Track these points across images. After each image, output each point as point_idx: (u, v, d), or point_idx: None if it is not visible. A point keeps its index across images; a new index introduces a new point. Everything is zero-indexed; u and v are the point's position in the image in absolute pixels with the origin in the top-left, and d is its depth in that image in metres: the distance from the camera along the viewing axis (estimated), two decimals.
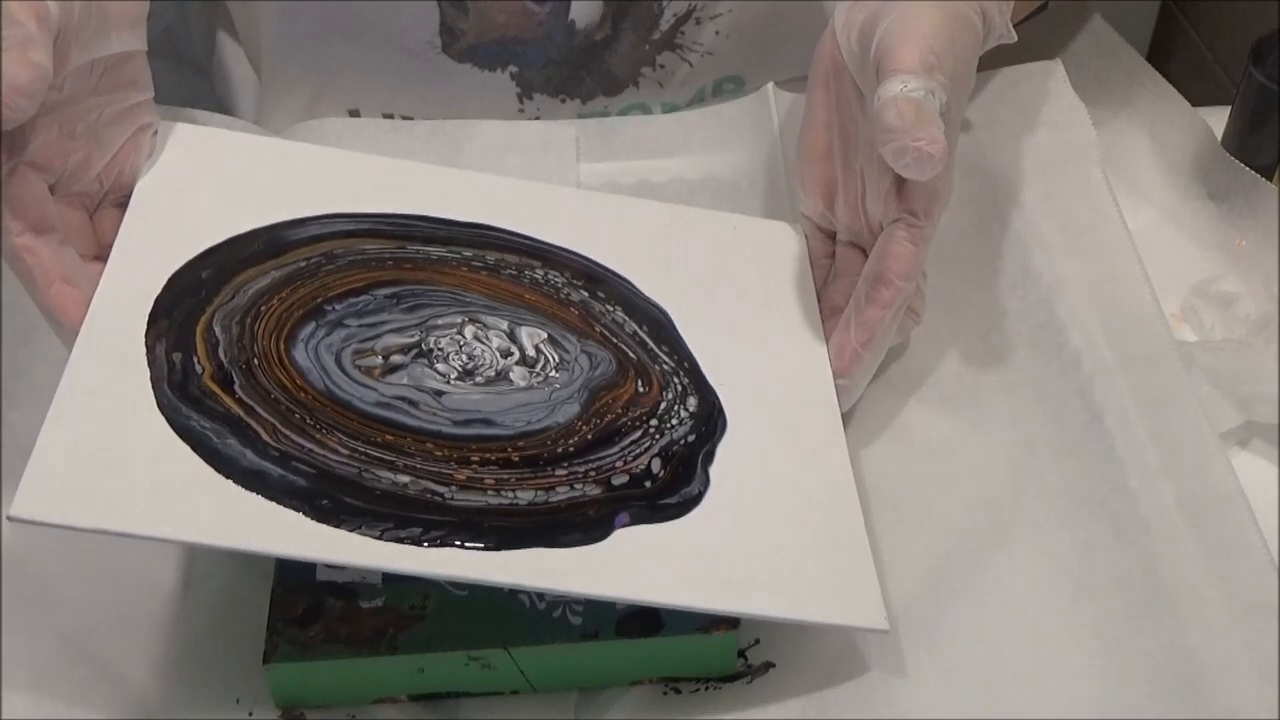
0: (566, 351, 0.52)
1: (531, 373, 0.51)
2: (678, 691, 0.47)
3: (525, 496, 0.46)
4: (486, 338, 0.52)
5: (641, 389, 0.51)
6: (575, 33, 0.63)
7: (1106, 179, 0.59)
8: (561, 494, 0.47)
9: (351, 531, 0.44)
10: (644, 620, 0.46)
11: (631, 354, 0.53)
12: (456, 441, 0.48)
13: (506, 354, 0.51)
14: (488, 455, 0.48)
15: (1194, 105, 0.65)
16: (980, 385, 0.55)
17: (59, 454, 0.44)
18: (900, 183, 0.50)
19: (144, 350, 0.47)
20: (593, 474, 0.48)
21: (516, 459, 0.48)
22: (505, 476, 0.47)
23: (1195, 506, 0.49)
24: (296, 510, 0.44)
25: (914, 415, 0.55)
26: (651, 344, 0.53)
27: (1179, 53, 0.87)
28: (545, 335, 0.52)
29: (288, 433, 0.46)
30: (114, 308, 0.48)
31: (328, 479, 0.45)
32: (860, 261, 0.53)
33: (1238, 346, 0.56)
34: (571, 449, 0.49)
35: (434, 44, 0.63)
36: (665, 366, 0.52)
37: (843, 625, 0.46)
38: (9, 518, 0.42)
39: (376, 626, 0.45)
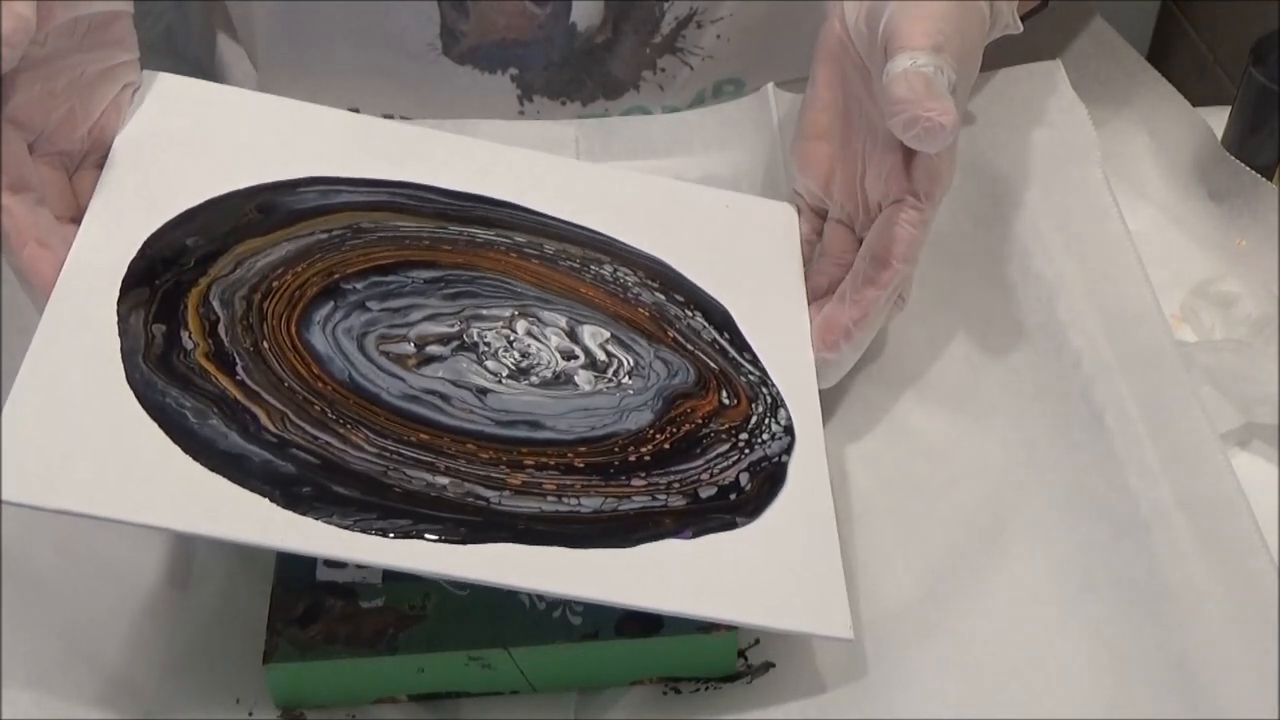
0: (640, 356, 0.50)
1: (600, 377, 0.49)
2: (678, 691, 0.47)
3: (591, 504, 0.45)
4: (543, 335, 0.49)
5: (727, 401, 0.49)
6: (576, 35, 0.63)
7: (1106, 179, 0.59)
8: (637, 503, 0.46)
9: (317, 519, 0.42)
10: (644, 620, 0.46)
11: (712, 363, 0.51)
12: (503, 443, 0.46)
13: (569, 356, 0.49)
14: (544, 460, 0.46)
15: (1194, 105, 0.65)
16: (980, 385, 0.55)
17: (22, 428, 0.42)
18: (904, 162, 0.50)
19: (115, 319, 0.45)
20: (676, 485, 0.47)
21: (581, 465, 0.46)
22: (569, 482, 0.46)
23: (1195, 506, 0.49)
24: (264, 496, 0.42)
25: (914, 415, 0.55)
26: (733, 352, 0.51)
27: (1179, 53, 0.87)
28: (608, 335, 0.50)
29: (301, 424, 0.44)
30: (86, 273, 0.46)
31: (329, 470, 0.43)
32: (849, 241, 0.53)
33: (1238, 347, 0.56)
34: (647, 458, 0.47)
35: (434, 46, 0.63)
36: (750, 377, 0.51)
37: (808, 633, 0.45)
38: None
39: (376, 626, 0.45)
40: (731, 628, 0.46)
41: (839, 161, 0.54)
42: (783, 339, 0.53)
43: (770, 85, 0.64)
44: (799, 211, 0.57)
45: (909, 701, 0.46)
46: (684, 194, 0.58)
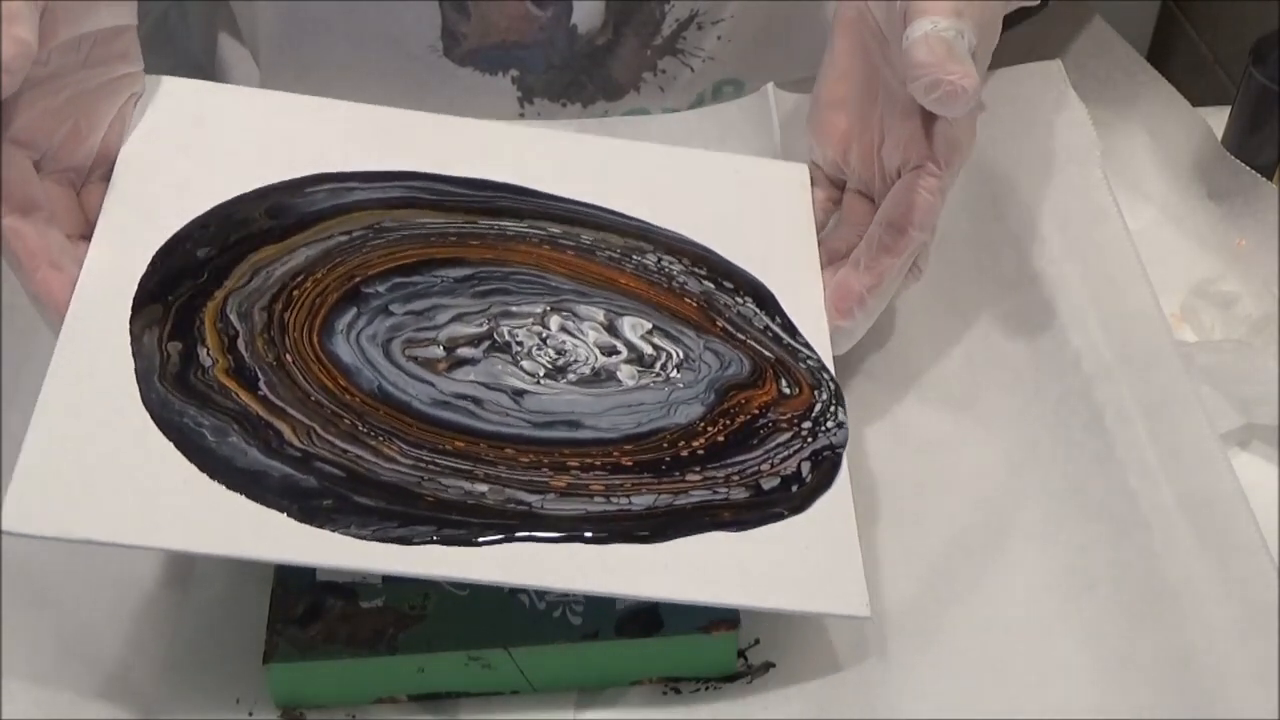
0: (689, 349, 0.49)
1: (646, 371, 0.47)
2: (678, 691, 0.47)
3: (643, 501, 0.44)
4: (579, 330, 0.48)
5: (788, 390, 0.48)
6: (577, 37, 0.63)
7: (1106, 179, 0.59)
8: (696, 498, 0.45)
9: (334, 531, 0.42)
10: (644, 620, 0.46)
11: (768, 352, 0.49)
12: (543, 446, 0.45)
13: (610, 351, 0.48)
14: (589, 460, 0.45)
15: (1194, 105, 0.65)
16: (980, 385, 0.55)
17: (44, 460, 0.42)
18: (923, 129, 0.49)
19: (129, 339, 0.45)
20: (736, 478, 0.46)
21: (629, 463, 0.45)
22: (618, 482, 0.45)
23: (1195, 506, 0.49)
24: (281, 511, 0.42)
25: (914, 415, 0.55)
26: (787, 338, 0.49)
27: (1179, 53, 0.87)
28: (650, 326, 0.49)
29: (329, 438, 0.44)
30: (98, 293, 0.46)
31: (354, 482, 0.43)
32: (868, 211, 0.53)
33: (1238, 347, 0.56)
34: (701, 452, 0.46)
35: (435, 48, 0.63)
36: (809, 363, 0.49)
37: (826, 613, 0.45)
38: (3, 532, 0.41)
39: (376, 626, 0.45)
40: (732, 627, 0.46)
41: (856, 130, 0.53)
42: (799, 308, 0.51)
43: (770, 85, 0.64)
44: (815, 180, 0.56)
45: (909, 701, 0.46)
46: (692, 161, 0.56)
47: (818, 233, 0.54)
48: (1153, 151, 0.65)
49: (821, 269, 0.53)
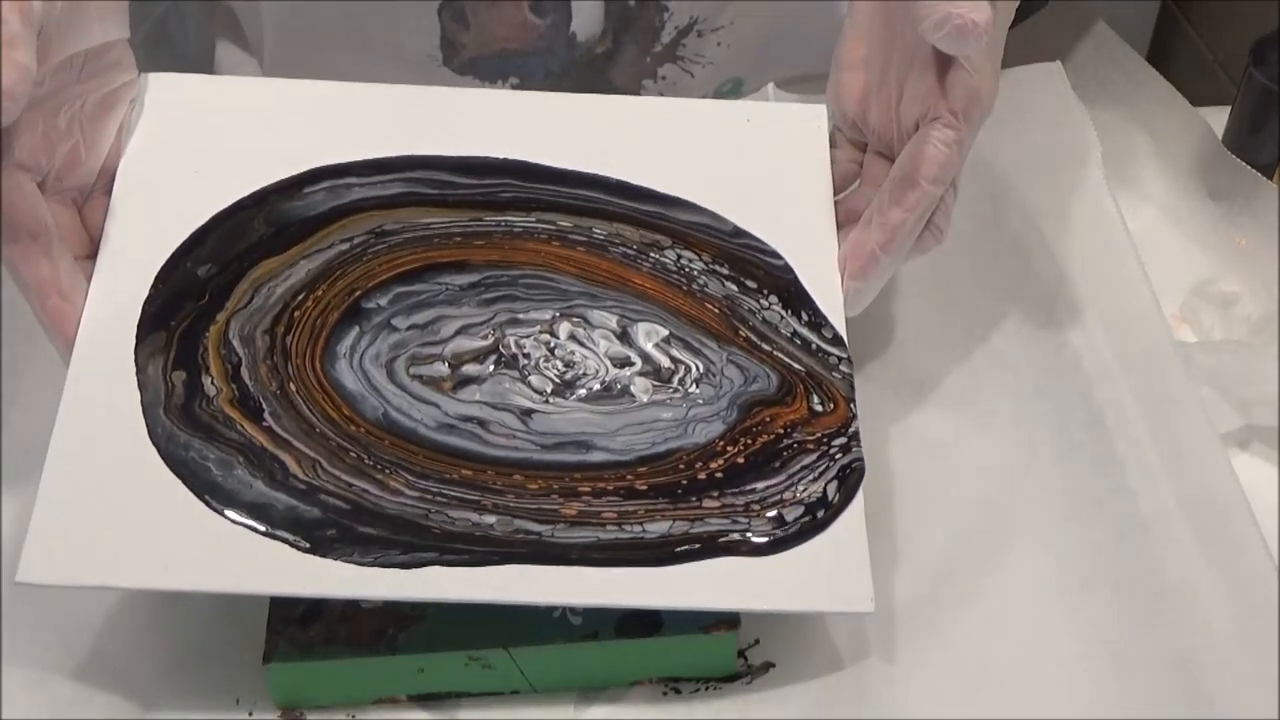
0: (711, 361, 0.46)
1: (664, 386, 0.45)
2: (678, 691, 0.47)
3: (657, 529, 0.43)
4: (590, 339, 0.46)
5: (820, 407, 0.45)
6: (576, 45, 0.63)
7: (1106, 179, 0.59)
8: (714, 526, 0.43)
9: (337, 560, 0.42)
10: (644, 620, 0.46)
11: (797, 365, 0.46)
12: (552, 470, 0.44)
13: (622, 362, 0.45)
14: (602, 485, 0.43)
15: (1194, 105, 0.65)
16: (981, 386, 0.55)
17: (58, 507, 0.42)
18: (940, 81, 0.47)
19: (134, 371, 0.44)
20: (756, 506, 0.43)
21: (643, 487, 0.43)
22: (631, 509, 0.43)
23: (1195, 506, 0.49)
24: (285, 543, 0.42)
25: (915, 416, 0.55)
26: (817, 341, 0.46)
27: (1179, 53, 0.87)
28: (666, 333, 0.46)
29: (335, 471, 0.43)
30: (104, 323, 0.45)
31: (359, 514, 0.43)
32: (887, 171, 0.50)
33: (1237, 347, 0.56)
34: (719, 475, 0.44)
35: (434, 57, 0.63)
36: (844, 369, 0.46)
37: (832, 612, 0.44)
38: (15, 583, 0.42)
39: (376, 626, 0.45)
40: (732, 627, 0.46)
41: (875, 90, 0.51)
42: (813, 274, 0.49)
43: (770, 85, 0.64)
44: (837, 144, 0.54)
45: (909, 702, 0.46)
46: (703, 112, 0.53)
47: (840, 194, 0.52)
48: (1153, 151, 0.65)
49: (840, 228, 0.51)
